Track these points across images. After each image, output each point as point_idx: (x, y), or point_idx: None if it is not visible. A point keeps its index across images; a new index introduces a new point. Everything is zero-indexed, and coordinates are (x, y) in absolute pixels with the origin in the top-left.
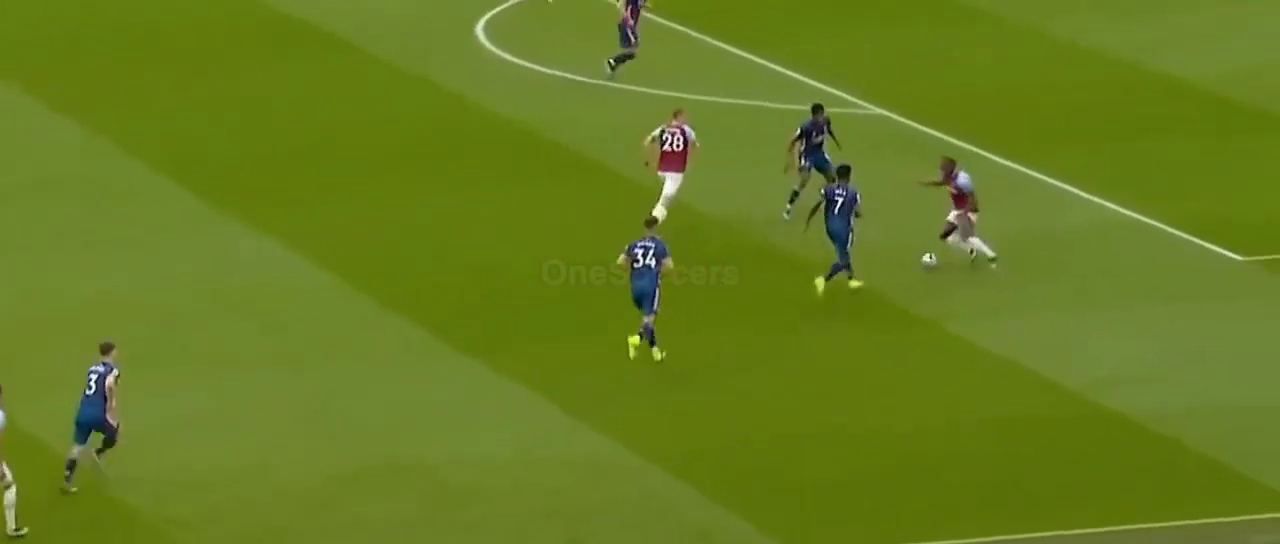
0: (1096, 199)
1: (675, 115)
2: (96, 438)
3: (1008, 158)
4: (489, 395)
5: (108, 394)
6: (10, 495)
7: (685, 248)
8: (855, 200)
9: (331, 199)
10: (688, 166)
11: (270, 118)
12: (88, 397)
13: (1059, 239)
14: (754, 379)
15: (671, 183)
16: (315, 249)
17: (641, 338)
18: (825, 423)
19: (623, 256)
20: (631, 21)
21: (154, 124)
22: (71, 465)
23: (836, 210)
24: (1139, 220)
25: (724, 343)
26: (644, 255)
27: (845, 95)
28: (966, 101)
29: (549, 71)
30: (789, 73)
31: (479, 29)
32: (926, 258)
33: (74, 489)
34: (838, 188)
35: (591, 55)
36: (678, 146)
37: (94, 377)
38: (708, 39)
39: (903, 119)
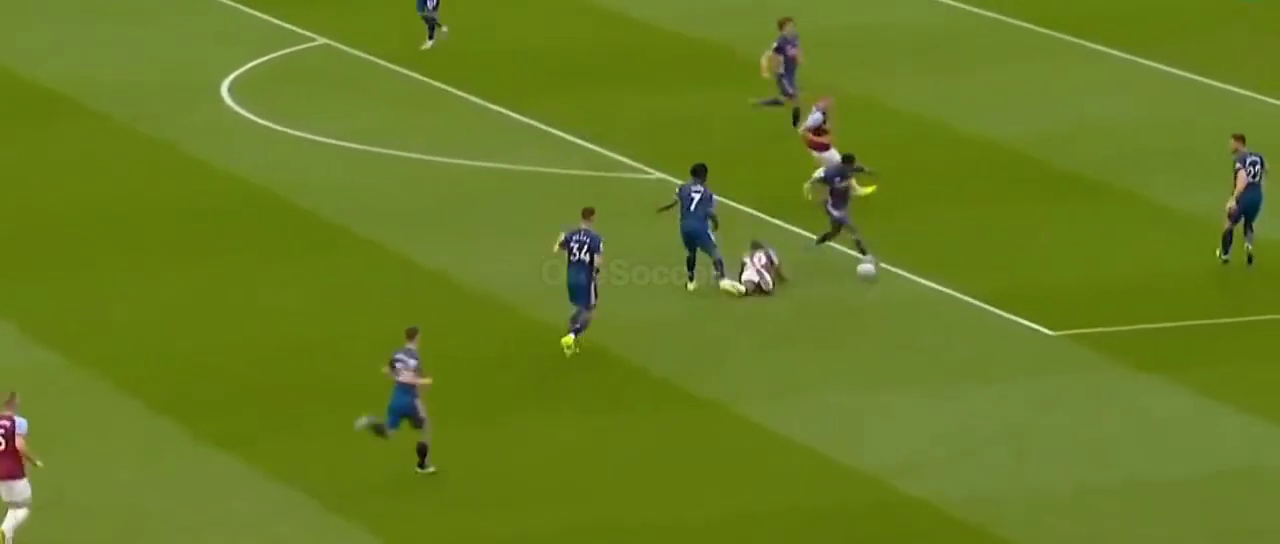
0: (895, 269)
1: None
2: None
3: (798, 225)
4: (237, 489)
5: (415, 383)
6: (18, 515)
7: (450, 326)
8: (710, 200)
9: (62, 274)
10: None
11: None
12: (401, 385)
13: (853, 312)
14: (525, 468)
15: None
16: (42, 329)
17: (574, 334)
18: (605, 517)
19: (557, 247)
20: (783, 73)
21: None
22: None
23: (692, 208)
24: (941, 292)
25: (493, 430)
26: (579, 249)
27: (623, 158)
28: (752, 165)
29: (301, 134)
30: (560, 134)
31: (224, 89)
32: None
33: (433, 469)
34: (694, 186)
35: (346, 115)
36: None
37: (401, 365)
38: (471, 98)
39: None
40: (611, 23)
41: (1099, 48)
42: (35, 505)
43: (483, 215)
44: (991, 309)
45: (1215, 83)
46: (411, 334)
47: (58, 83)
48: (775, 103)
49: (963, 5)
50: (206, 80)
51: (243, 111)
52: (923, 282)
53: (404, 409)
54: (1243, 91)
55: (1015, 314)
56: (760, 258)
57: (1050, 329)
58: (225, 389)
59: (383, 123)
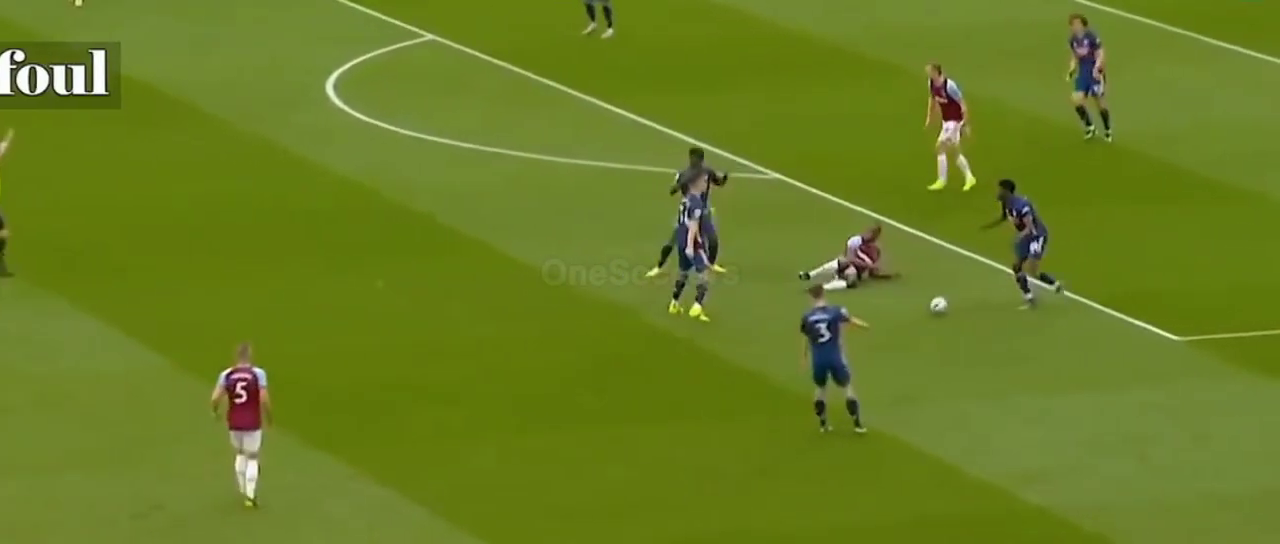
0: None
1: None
2: None
3: (915, 226)
4: (342, 494)
5: (839, 337)
6: (252, 468)
7: (559, 330)
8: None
9: (166, 275)
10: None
11: (95, 185)
12: (821, 343)
13: (969, 317)
14: (636, 475)
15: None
16: (145, 331)
17: (675, 298)
18: (720, 525)
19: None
20: (1079, 75)
21: None
22: (820, 407)
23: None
24: (1064, 297)
25: (602, 435)
26: (682, 211)
27: (738, 158)
28: (870, 165)
29: (409, 133)
30: (670, 132)
31: (330, 88)
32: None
33: (830, 428)
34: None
35: (454, 113)
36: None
37: (823, 324)
38: (582, 95)
39: (801, 184)
40: (727, 19)
41: (1223, 45)
42: (132, 512)
43: (593, 216)
44: (1113, 313)
45: None
46: (817, 292)
47: (159, 82)
48: (1097, 118)
49: (1083, 1)
50: (311, 78)
51: (349, 110)
52: (1041, 285)
53: (828, 365)
54: None
55: (1138, 319)
56: (857, 243)
57: (1174, 334)
58: (329, 391)
59: (491, 121)
